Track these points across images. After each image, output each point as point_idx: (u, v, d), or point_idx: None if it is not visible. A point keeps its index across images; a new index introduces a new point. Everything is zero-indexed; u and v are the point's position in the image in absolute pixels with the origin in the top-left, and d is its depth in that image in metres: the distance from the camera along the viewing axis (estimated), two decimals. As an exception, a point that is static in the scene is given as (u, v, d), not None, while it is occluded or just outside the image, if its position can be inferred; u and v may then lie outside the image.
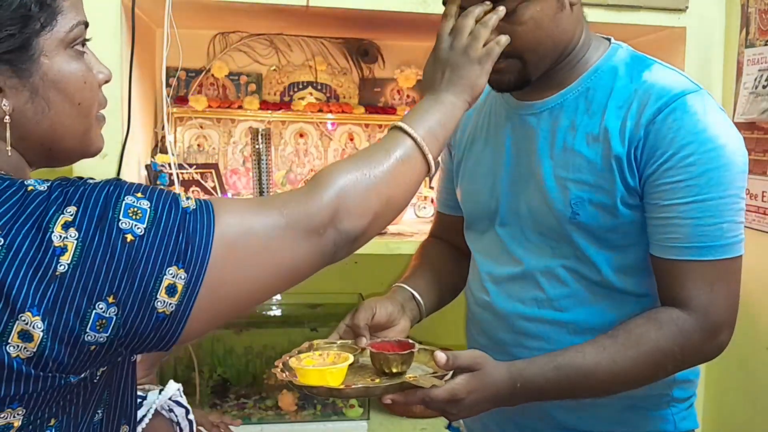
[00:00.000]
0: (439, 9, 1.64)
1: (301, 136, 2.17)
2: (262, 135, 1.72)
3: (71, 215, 0.65)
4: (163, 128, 1.96)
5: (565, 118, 1.04)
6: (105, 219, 0.65)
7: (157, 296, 0.65)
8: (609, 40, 1.09)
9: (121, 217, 0.65)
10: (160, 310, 0.66)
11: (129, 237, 0.65)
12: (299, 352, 1.05)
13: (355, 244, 0.79)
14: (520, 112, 1.09)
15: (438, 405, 0.95)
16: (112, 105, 1.55)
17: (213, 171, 2.03)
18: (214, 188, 1.98)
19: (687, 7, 1.70)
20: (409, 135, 0.85)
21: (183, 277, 0.66)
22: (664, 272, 0.99)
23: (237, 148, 2.13)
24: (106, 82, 0.79)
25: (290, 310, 2.14)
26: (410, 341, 1.04)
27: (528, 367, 0.99)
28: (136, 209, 0.67)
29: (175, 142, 2.04)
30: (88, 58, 0.77)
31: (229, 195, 2.02)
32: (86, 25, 0.77)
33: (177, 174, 1.71)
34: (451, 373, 0.96)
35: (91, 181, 0.71)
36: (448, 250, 1.28)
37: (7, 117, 0.71)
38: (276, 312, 2.17)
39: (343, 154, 2.18)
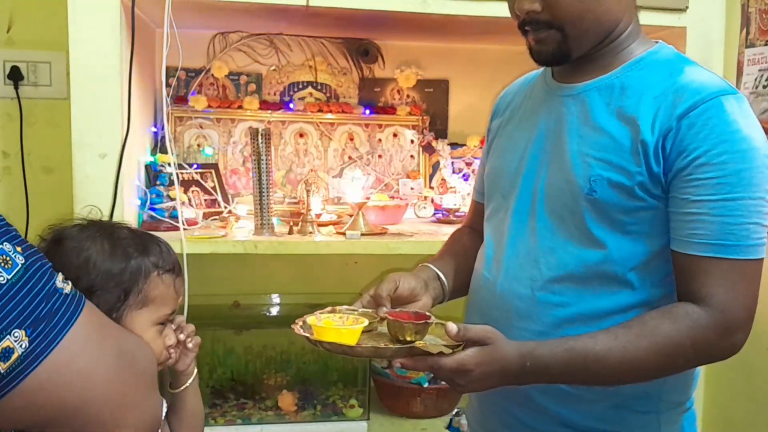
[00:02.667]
0: (439, 9, 1.65)
1: (301, 135, 2.16)
2: (261, 135, 1.72)
3: None
4: (162, 128, 1.95)
5: (600, 99, 1.05)
6: None
7: None
8: (657, 42, 1.10)
9: None
10: None
11: None
12: (321, 314, 1.09)
13: None
14: (558, 93, 1.11)
15: (446, 374, 0.97)
16: (111, 105, 1.57)
17: (213, 171, 2.03)
18: (213, 188, 1.98)
19: (687, 7, 1.70)
20: None
21: (24, 345, 0.61)
22: (685, 267, 0.99)
23: (237, 148, 2.13)
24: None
25: (290, 310, 2.14)
26: (427, 314, 1.06)
27: (539, 347, 1.00)
28: (7, 259, 0.63)
29: (174, 141, 2.04)
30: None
31: (230, 195, 2.02)
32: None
33: (177, 174, 1.70)
34: (462, 345, 0.98)
35: None
36: (478, 239, 1.29)
37: None
38: (276, 312, 2.17)
39: (343, 155, 2.18)
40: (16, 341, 0.60)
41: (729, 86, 1.01)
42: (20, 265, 0.63)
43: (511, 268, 1.12)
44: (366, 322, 1.05)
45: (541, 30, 1.03)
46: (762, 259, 0.98)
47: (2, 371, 0.60)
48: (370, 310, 1.12)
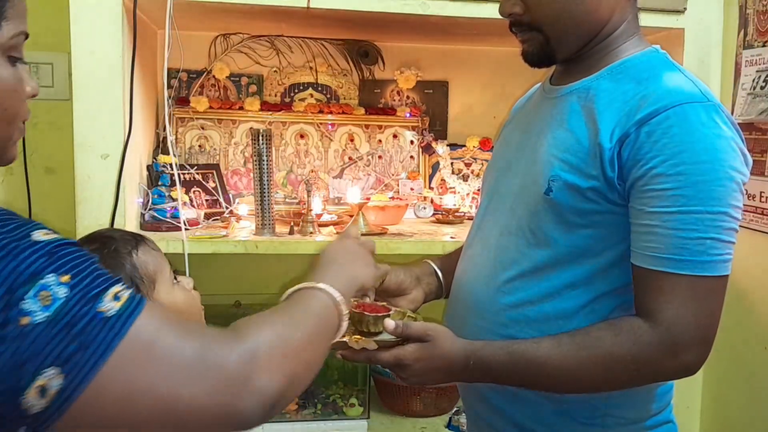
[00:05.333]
0: (439, 11, 1.66)
1: (302, 137, 2.17)
2: (262, 136, 1.73)
3: None
4: (164, 129, 1.96)
5: (577, 102, 1.04)
6: (14, 292, 0.61)
7: (25, 394, 0.60)
8: (651, 46, 1.07)
9: (28, 297, 0.61)
10: (24, 407, 0.60)
11: (25, 320, 0.60)
12: None
13: (270, 408, 0.70)
14: (549, 96, 1.11)
15: (386, 367, 1.03)
16: (113, 106, 1.58)
17: (214, 171, 2.04)
18: (215, 189, 1.99)
19: (685, 9, 1.70)
20: (328, 293, 0.84)
21: (59, 383, 0.61)
22: (639, 281, 0.97)
23: (238, 148, 2.14)
24: (33, 96, 0.77)
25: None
26: (389, 307, 1.11)
27: (484, 347, 1.01)
28: (48, 294, 0.61)
29: (176, 142, 2.05)
30: (21, 68, 0.74)
31: (231, 195, 2.03)
32: (26, 36, 0.74)
33: (178, 174, 1.71)
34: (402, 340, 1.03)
35: (35, 233, 0.64)
36: None
37: None
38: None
39: (343, 155, 2.19)
40: (50, 379, 0.60)
41: (699, 94, 0.95)
42: (61, 300, 0.62)
43: (475, 265, 1.13)
44: None
45: (525, 32, 1.04)
46: (723, 276, 0.94)
47: (45, 405, 0.61)
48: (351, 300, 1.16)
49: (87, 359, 0.61)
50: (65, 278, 0.62)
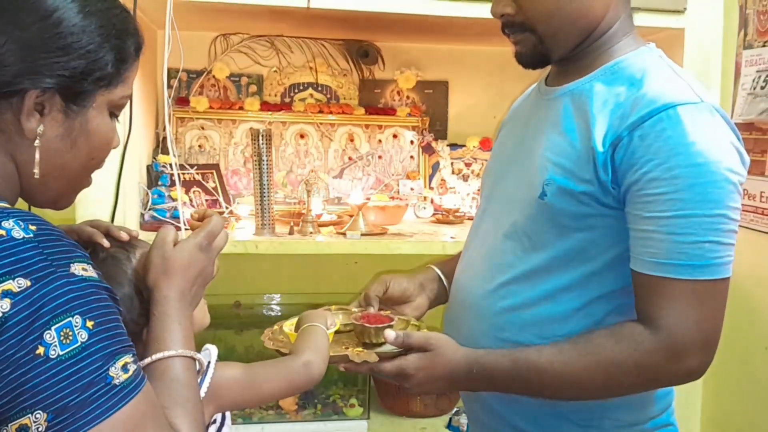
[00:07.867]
0: (439, 11, 1.66)
1: (302, 137, 2.17)
2: (262, 136, 1.73)
3: (19, 288, 0.61)
4: (164, 129, 1.96)
5: (571, 104, 1.03)
6: (40, 319, 0.61)
7: (8, 426, 0.60)
8: (645, 45, 1.06)
9: (51, 329, 0.61)
10: None
11: (40, 350, 0.60)
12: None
13: None
14: (544, 97, 1.10)
15: (389, 377, 1.02)
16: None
17: (214, 171, 2.04)
18: (215, 189, 1.99)
19: (685, 9, 1.70)
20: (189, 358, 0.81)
21: (40, 430, 0.60)
22: (638, 286, 0.95)
23: (238, 148, 2.14)
24: (114, 148, 0.83)
25: (290, 310, 2.15)
26: (391, 317, 1.10)
27: (486, 355, 1.01)
28: (70, 333, 0.61)
29: (176, 142, 2.04)
30: (115, 124, 0.82)
31: (231, 195, 2.03)
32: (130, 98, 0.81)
33: (178, 175, 1.71)
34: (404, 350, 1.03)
35: (75, 266, 0.65)
36: None
37: (37, 140, 0.72)
38: (276, 312, 2.18)
39: (343, 155, 2.19)
40: (34, 423, 0.59)
41: (692, 95, 0.93)
42: (79, 343, 0.62)
43: (471, 268, 1.12)
44: (333, 327, 1.08)
45: (517, 32, 1.02)
46: (724, 279, 0.92)
47: None
48: (356, 310, 1.16)
49: (77, 420, 0.61)
50: (90, 323, 0.63)
